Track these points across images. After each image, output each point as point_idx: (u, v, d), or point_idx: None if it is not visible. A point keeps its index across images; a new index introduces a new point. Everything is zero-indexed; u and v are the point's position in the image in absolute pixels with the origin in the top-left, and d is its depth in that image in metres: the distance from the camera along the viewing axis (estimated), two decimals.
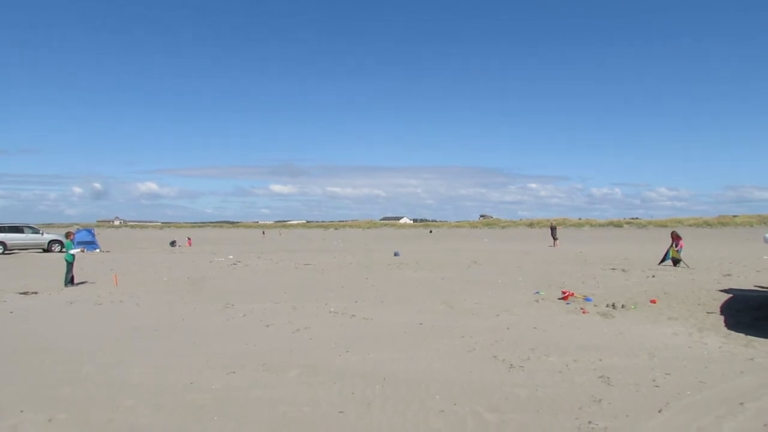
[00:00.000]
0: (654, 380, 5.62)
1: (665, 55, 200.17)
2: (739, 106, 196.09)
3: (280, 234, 76.96)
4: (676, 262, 18.59)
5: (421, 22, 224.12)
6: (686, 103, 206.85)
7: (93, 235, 33.95)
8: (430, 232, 78.77)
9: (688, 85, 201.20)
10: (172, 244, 40.96)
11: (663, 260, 19.23)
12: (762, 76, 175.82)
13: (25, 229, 30.69)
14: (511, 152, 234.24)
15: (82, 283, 14.92)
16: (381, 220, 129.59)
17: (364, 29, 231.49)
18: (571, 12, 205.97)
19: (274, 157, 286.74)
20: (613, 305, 10.30)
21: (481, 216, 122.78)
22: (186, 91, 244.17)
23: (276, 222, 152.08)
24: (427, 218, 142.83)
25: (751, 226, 59.92)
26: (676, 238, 19.28)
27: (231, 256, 26.85)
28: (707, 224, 64.78)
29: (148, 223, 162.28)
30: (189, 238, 45.86)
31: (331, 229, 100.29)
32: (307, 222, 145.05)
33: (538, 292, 12.33)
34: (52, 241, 30.66)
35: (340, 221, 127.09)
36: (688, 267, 17.88)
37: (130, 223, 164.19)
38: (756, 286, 12.94)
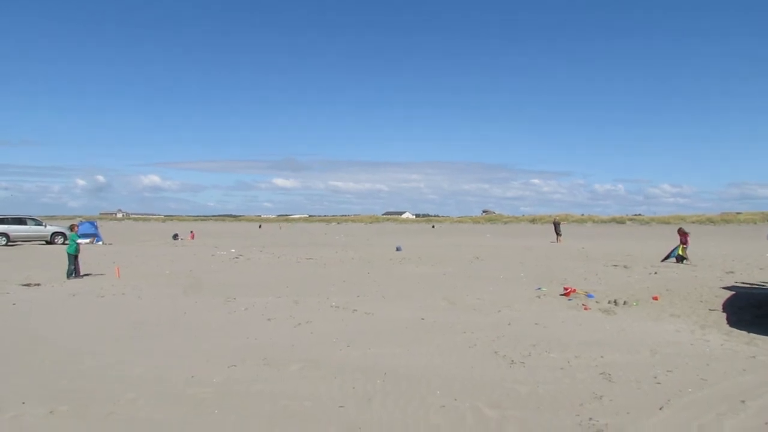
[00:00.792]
0: (655, 377, 5.60)
1: (670, 51, 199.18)
2: (743, 103, 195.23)
3: (280, 228, 77.08)
4: (680, 259, 18.53)
5: (425, 16, 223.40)
6: (690, 100, 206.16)
7: (96, 228, 34.05)
8: (433, 227, 78.70)
9: (693, 81, 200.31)
10: (175, 237, 41.02)
11: (667, 257, 19.16)
12: (766, 73, 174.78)
13: (28, 221, 30.76)
14: (514, 148, 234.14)
15: (86, 275, 14.96)
16: (383, 214, 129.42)
17: (367, 23, 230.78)
18: (575, 7, 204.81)
19: (276, 151, 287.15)
20: (615, 302, 10.27)
21: (484, 211, 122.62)
22: (189, 84, 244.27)
23: (278, 216, 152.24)
24: (430, 213, 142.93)
25: (755, 223, 59.73)
26: (683, 235, 19.18)
27: (233, 250, 26.89)
28: (710, 221, 64.58)
29: (151, 216, 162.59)
30: (192, 232, 45.90)
31: (334, 224, 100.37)
32: (310, 216, 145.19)
33: (539, 288, 12.31)
34: (54, 233, 30.72)
35: (343, 216, 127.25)
36: (691, 264, 17.84)
37: (133, 216, 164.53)
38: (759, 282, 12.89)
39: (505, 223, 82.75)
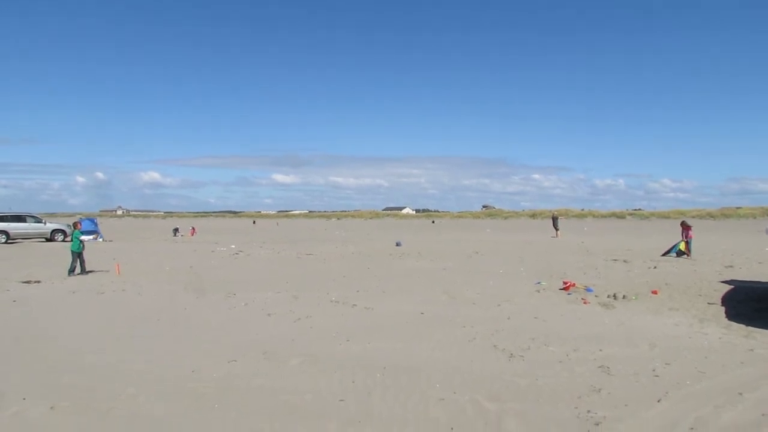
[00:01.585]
0: (654, 370, 5.63)
1: (670, 46, 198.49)
2: (743, 97, 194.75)
3: (277, 224, 77.17)
4: (680, 254, 18.55)
5: (424, 11, 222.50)
6: (690, 95, 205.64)
7: (96, 225, 34.09)
8: (433, 222, 78.74)
9: (693, 76, 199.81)
10: (175, 232, 41.07)
11: (668, 252, 19.18)
12: (766, 68, 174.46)
13: (28, 219, 30.77)
14: (514, 143, 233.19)
15: (89, 272, 14.98)
16: (383, 210, 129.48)
17: (366, 19, 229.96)
18: (575, 1, 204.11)
19: (276, 147, 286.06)
20: (615, 296, 10.30)
21: (484, 206, 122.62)
22: (188, 81, 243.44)
23: (279, 212, 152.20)
24: (430, 208, 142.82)
25: (755, 218, 59.72)
26: (686, 228, 19.18)
27: (233, 246, 26.91)
28: (710, 216, 64.56)
29: (151, 213, 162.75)
30: (192, 228, 45.92)
31: (334, 219, 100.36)
32: (310, 212, 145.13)
33: (539, 283, 12.34)
34: (54, 231, 30.71)
35: (343, 211, 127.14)
36: (690, 258, 17.87)
37: (133, 213, 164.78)
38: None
39: (505, 218, 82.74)
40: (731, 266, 15.45)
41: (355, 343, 6.98)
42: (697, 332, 7.40)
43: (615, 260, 17.60)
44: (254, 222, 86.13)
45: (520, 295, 10.74)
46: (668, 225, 47.31)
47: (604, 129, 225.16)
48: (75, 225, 16.06)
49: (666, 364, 5.85)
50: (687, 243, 18.75)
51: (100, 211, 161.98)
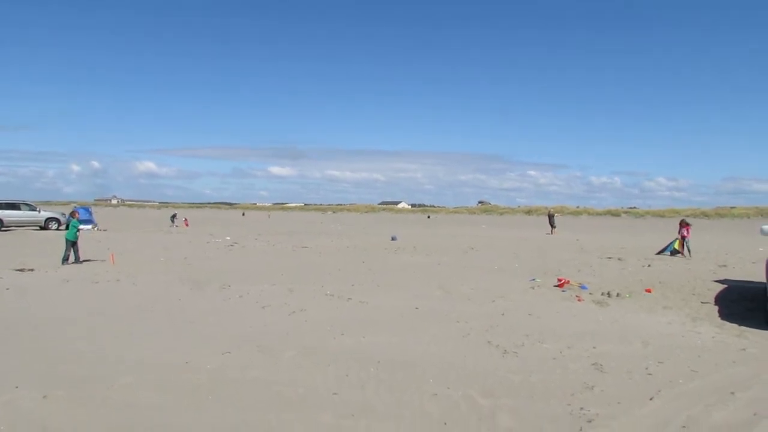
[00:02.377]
0: (647, 368, 5.65)
1: (667, 44, 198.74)
2: (739, 97, 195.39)
3: (268, 217, 76.96)
4: (674, 253, 18.62)
5: (422, 6, 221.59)
6: (687, 93, 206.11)
7: (90, 214, 33.92)
8: (428, 217, 78.72)
9: (689, 75, 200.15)
10: (173, 218, 40.95)
11: (662, 251, 19.24)
12: (763, 68, 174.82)
13: (22, 206, 30.56)
14: (511, 139, 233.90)
15: (84, 261, 14.91)
16: (379, 204, 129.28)
17: (363, 14, 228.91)
18: None
19: (273, 139, 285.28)
20: (609, 293, 10.34)
21: (480, 202, 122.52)
22: (186, 71, 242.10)
23: (274, 204, 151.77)
24: (426, 203, 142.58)
25: (749, 217, 59.98)
26: (684, 226, 19.14)
27: (228, 238, 26.85)
28: (705, 215, 64.80)
29: (146, 203, 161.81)
30: (186, 219, 45.74)
31: (329, 212, 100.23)
32: (306, 204, 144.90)
33: (534, 279, 12.37)
34: (48, 219, 30.54)
35: (339, 204, 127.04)
36: (684, 257, 17.96)
37: (128, 202, 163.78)
38: None
39: (501, 214, 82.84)
40: (725, 265, 15.54)
41: (349, 336, 6.98)
42: (690, 331, 7.44)
43: (609, 258, 17.66)
44: (243, 214, 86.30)
45: (514, 291, 10.77)
46: (663, 223, 47.53)
47: (601, 127, 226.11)
48: (72, 214, 15.99)
49: (659, 362, 5.88)
50: (683, 242, 18.78)
51: (95, 200, 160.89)
